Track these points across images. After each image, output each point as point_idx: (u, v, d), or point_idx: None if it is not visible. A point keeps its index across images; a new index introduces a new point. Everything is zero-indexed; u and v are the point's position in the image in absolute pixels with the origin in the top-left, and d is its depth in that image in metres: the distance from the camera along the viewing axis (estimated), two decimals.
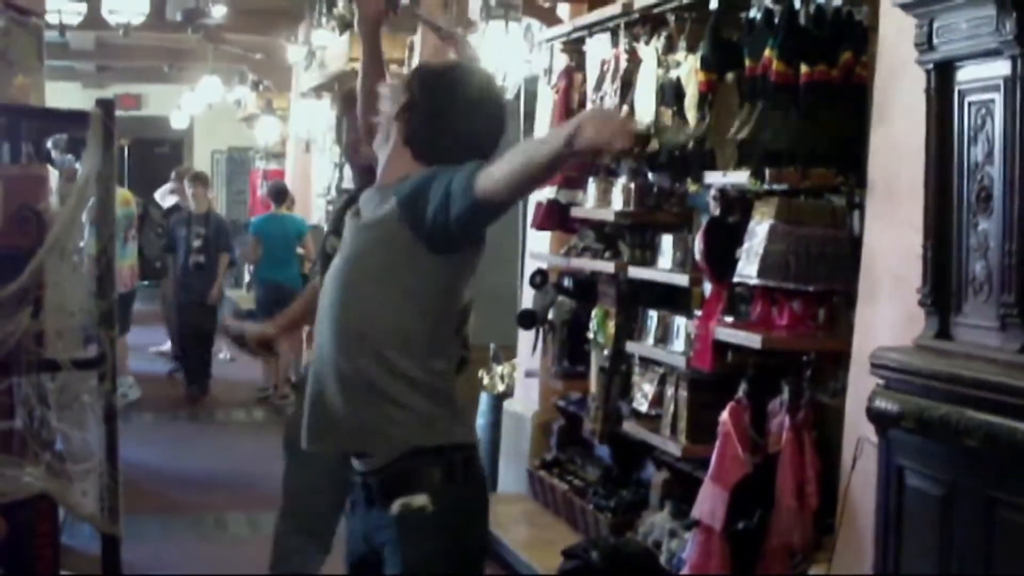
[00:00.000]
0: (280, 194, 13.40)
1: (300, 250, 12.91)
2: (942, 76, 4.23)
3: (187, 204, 13.40)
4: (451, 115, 3.54)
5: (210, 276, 12.75)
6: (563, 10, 8.50)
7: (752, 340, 5.46)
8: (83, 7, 13.63)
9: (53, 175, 6.51)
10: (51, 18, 13.24)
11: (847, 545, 4.97)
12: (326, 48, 14.28)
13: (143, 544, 7.23)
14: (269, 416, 12.12)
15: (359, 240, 3.54)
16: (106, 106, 4.37)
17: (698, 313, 6.06)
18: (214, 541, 7.93)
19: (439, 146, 3.54)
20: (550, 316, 7.84)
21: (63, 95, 17.16)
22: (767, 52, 5.38)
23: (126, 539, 4.66)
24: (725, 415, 5.64)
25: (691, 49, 6.14)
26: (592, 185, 7.30)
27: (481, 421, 9.11)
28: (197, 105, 21.20)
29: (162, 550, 7.61)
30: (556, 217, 7.79)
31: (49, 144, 7.26)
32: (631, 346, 6.81)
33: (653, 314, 6.64)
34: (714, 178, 5.84)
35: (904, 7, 4.36)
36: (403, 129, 3.58)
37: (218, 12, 15.72)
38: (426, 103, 3.55)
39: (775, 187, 5.46)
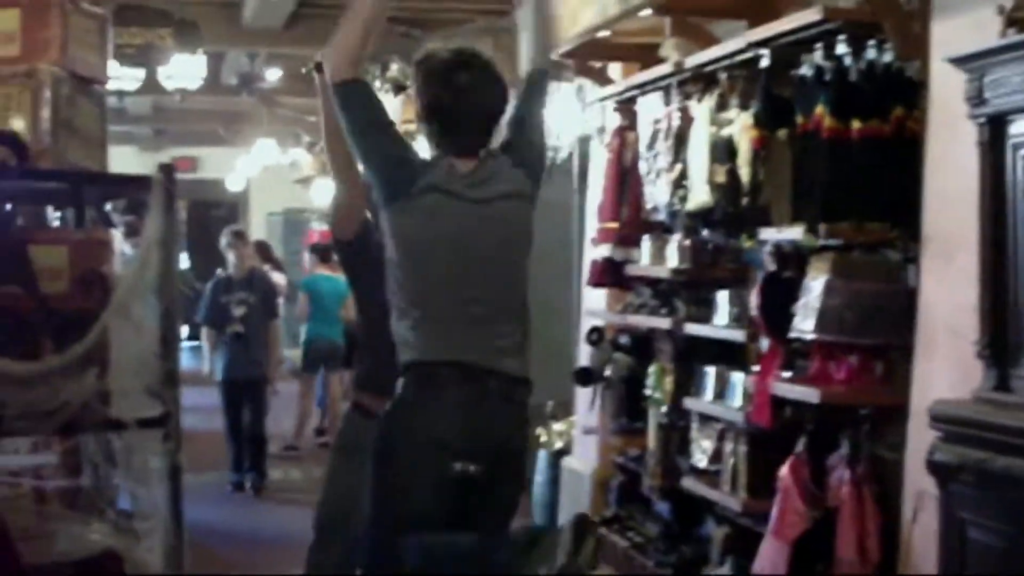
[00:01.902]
0: (326, 253, 13.31)
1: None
2: (994, 129, 4.25)
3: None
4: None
5: (255, 347, 11.21)
6: (615, 70, 8.58)
7: (810, 395, 5.46)
8: (141, 73, 13.82)
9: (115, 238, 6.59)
10: (110, 84, 13.44)
11: None
12: None
13: None
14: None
15: None
16: (167, 171, 4.44)
17: (755, 369, 6.06)
18: None
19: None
20: (607, 373, 7.87)
21: (121, 159, 17.26)
22: (818, 108, 5.41)
23: None
24: (785, 470, 5.64)
25: (743, 106, 6.18)
26: (647, 242, 7.33)
27: (539, 478, 9.12)
28: (253, 167, 21.41)
29: None
30: (611, 274, 7.82)
31: (108, 207, 7.35)
32: (689, 402, 6.82)
33: (710, 370, 6.65)
34: (769, 234, 5.86)
35: (955, 62, 4.39)
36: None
37: (272, 75, 15.93)
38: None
39: (830, 242, 5.47)
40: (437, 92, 4.25)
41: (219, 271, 12.08)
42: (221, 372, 11.44)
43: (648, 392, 7.28)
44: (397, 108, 13.32)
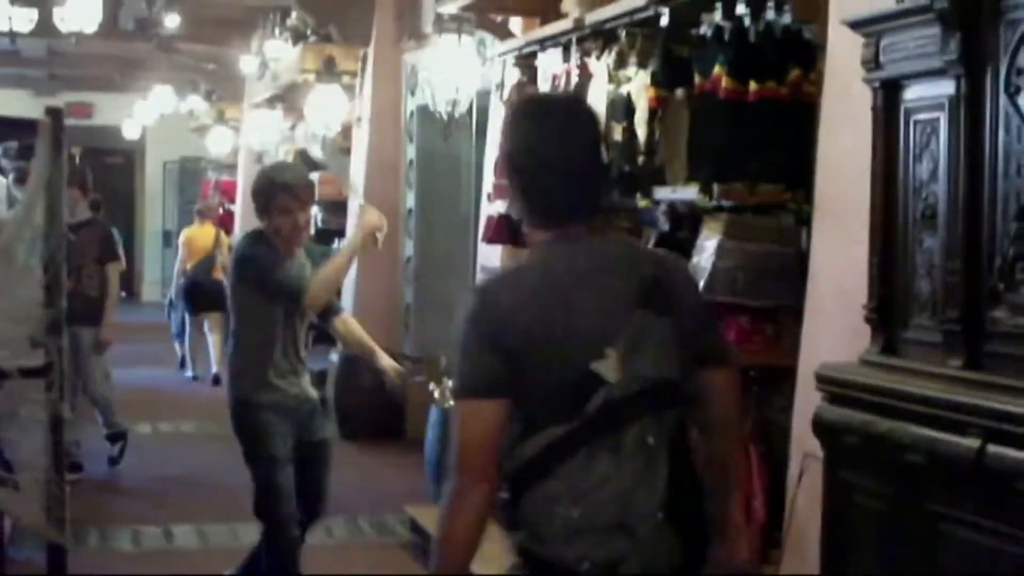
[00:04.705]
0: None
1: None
2: (889, 94, 4.26)
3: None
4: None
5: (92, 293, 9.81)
6: (515, 24, 8.54)
7: None
8: (34, 14, 13.57)
9: (1, 182, 6.47)
10: (2, 25, 13.19)
11: (794, 559, 4.99)
12: (279, 59, 14.28)
13: (89, 555, 7.19)
14: (216, 428, 12.02)
15: None
16: (55, 114, 4.36)
17: None
18: (160, 553, 7.85)
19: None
20: None
21: (14, 102, 17.08)
22: (717, 69, 5.41)
23: (71, 550, 4.64)
24: None
25: (642, 65, 6.16)
26: None
27: (430, 435, 9.09)
28: (149, 115, 21.16)
29: (107, 561, 7.57)
30: (507, 231, 7.79)
31: None
32: None
33: None
34: (664, 193, 5.86)
35: (852, 25, 4.40)
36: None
37: (171, 22, 15.70)
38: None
39: (724, 203, 5.48)
40: None
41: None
42: None
43: None
44: (296, 58, 13.20)
